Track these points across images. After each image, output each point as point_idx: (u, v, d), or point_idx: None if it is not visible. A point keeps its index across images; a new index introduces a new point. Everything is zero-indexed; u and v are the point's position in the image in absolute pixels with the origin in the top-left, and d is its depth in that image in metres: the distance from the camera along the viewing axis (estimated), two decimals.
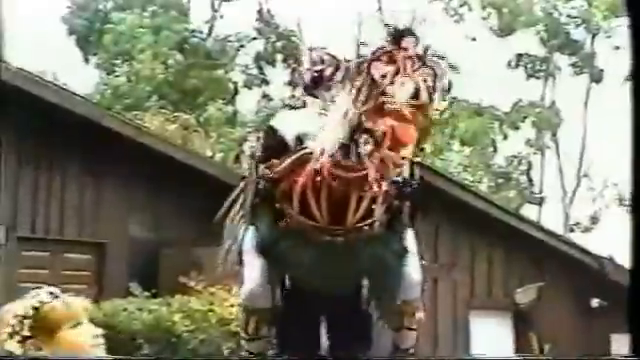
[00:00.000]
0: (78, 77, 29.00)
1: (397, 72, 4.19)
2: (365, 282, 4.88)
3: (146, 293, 12.16)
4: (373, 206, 4.41)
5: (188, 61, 28.06)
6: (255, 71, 33.86)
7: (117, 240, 13.37)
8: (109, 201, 13.22)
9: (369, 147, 4.17)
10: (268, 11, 34.06)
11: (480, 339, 16.92)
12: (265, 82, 33.97)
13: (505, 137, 33.23)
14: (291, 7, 32.94)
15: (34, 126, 12.64)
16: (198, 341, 11.31)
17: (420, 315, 5.03)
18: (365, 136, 4.19)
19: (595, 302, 18.39)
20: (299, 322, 4.95)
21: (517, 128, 33.34)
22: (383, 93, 4.14)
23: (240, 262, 4.92)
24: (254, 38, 34.09)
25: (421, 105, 4.14)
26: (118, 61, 28.17)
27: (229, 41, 33.50)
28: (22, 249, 12.99)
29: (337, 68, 4.97)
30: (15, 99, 12.35)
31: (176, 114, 24.22)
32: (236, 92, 32.21)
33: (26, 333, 3.80)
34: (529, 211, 31.73)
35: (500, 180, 32.77)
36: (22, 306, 3.84)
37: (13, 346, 3.77)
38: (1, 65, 13.27)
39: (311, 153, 4.41)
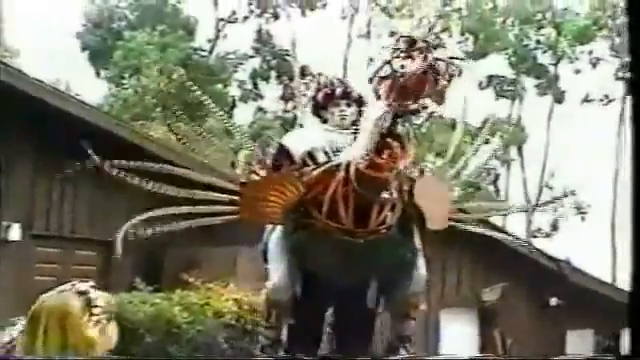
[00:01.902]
0: (90, 88, 29.05)
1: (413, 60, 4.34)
2: (374, 281, 5.01)
3: (149, 288, 12.15)
4: (391, 211, 4.59)
5: (190, 76, 28.06)
6: (250, 86, 33.93)
7: (124, 238, 13.35)
8: (117, 203, 13.19)
9: (396, 151, 4.37)
10: (267, 32, 34.13)
11: (448, 336, 16.95)
12: (259, 97, 34.04)
13: (476, 151, 33.29)
14: (287, 28, 33.28)
15: (47, 133, 12.62)
16: (196, 331, 11.31)
17: (423, 306, 5.21)
18: (391, 140, 4.37)
19: (553, 301, 18.43)
20: (308, 316, 5.05)
21: (487, 142, 33.33)
22: (403, 76, 4.29)
23: (265, 259, 5.08)
24: (251, 56, 34.16)
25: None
26: (127, 75, 28.14)
27: (229, 59, 33.58)
28: (36, 245, 12.97)
29: (346, 88, 5.11)
30: (29, 107, 12.35)
31: (177, 124, 24.22)
32: (233, 105, 32.24)
33: (104, 322, 3.78)
34: (495, 218, 31.77)
35: (470, 189, 32.86)
36: (103, 298, 3.82)
37: (95, 333, 3.74)
38: (19, 74, 13.32)
39: (340, 164, 4.59)
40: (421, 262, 5.08)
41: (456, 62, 4.39)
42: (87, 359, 3.83)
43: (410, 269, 5.01)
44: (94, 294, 3.81)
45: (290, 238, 4.90)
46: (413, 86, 4.27)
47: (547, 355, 17.67)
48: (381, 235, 4.65)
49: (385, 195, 4.61)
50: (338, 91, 5.14)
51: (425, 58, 4.30)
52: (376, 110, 4.53)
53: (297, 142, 4.98)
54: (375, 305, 5.14)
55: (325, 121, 5.12)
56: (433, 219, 4.89)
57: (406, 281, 5.02)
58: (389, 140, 4.43)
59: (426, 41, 4.42)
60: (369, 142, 4.48)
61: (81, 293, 3.78)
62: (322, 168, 4.71)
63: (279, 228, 4.99)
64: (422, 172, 4.93)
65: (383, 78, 4.43)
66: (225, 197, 4.87)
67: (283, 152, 4.90)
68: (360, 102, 5.03)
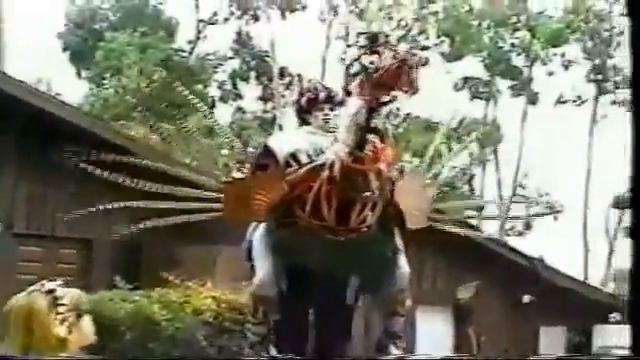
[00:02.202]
0: (71, 88, 28.94)
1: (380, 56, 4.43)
2: (354, 278, 5.04)
3: (129, 286, 12.12)
4: (371, 211, 4.64)
5: (171, 76, 27.99)
6: (230, 87, 33.89)
7: (104, 238, 13.30)
8: (98, 203, 13.14)
9: (374, 145, 4.45)
10: (247, 33, 34.09)
11: (424, 334, 16.99)
12: (239, 97, 33.99)
13: (450, 150, 33.36)
14: (266, 30, 33.29)
15: (30, 134, 12.58)
16: (175, 329, 11.30)
17: (409, 302, 5.26)
18: (372, 135, 4.46)
19: (526, 298, 18.50)
20: (294, 312, 5.09)
21: (462, 142, 33.46)
22: (376, 71, 4.37)
23: (249, 257, 5.11)
24: (231, 57, 34.12)
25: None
26: (107, 75, 28.05)
27: (209, 59, 33.52)
28: (19, 244, 12.90)
29: (330, 92, 5.17)
30: (10, 107, 12.30)
31: (159, 124, 24.13)
32: (213, 105, 32.19)
33: (72, 320, 3.76)
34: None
35: (446, 188, 32.90)
36: (69, 296, 3.80)
37: (63, 331, 3.72)
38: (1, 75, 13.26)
39: (323, 164, 4.63)
40: (403, 260, 5.13)
41: (421, 53, 4.49)
42: (85, 358, 3.83)
43: (392, 267, 5.06)
44: (60, 292, 3.80)
45: (273, 235, 4.94)
46: (388, 80, 4.36)
47: (522, 353, 17.75)
48: (362, 233, 4.70)
49: (367, 194, 4.66)
50: (321, 96, 5.19)
51: (396, 53, 4.37)
52: (350, 107, 4.61)
53: (280, 144, 5.03)
54: (354, 302, 5.17)
55: (308, 124, 5.16)
56: (412, 219, 4.95)
57: (389, 279, 5.07)
58: (369, 134, 4.52)
59: (386, 35, 4.50)
60: (350, 137, 4.54)
61: (48, 292, 3.78)
62: (306, 167, 4.76)
63: (262, 226, 5.04)
64: (401, 172, 4.98)
65: (354, 75, 4.52)
66: (210, 194, 4.90)
67: (268, 153, 4.95)
68: (343, 105, 5.07)
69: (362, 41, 4.55)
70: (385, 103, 4.48)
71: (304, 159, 4.81)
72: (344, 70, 4.66)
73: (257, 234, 5.08)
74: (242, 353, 10.60)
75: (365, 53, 4.48)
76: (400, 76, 4.34)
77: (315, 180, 4.67)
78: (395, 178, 4.86)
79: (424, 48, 31.81)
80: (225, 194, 4.89)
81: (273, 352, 5.07)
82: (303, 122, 5.18)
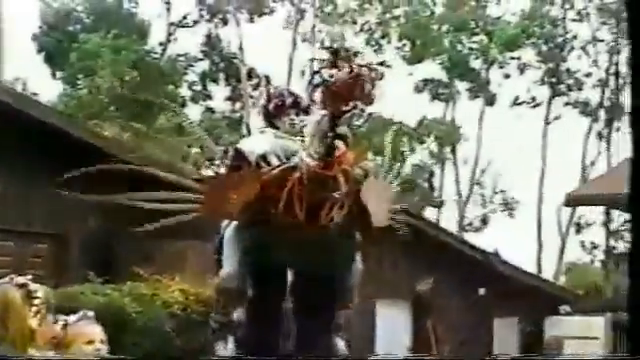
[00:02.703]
0: (46, 88, 28.82)
1: (339, 69, 4.56)
2: (324, 270, 5.14)
3: (100, 280, 12.12)
4: (339, 209, 4.76)
5: (143, 77, 27.91)
6: (200, 87, 33.83)
7: (77, 233, 13.29)
8: (71, 199, 13.10)
9: (340, 150, 4.58)
10: (216, 36, 34.04)
11: (383, 326, 17.07)
12: (208, 97, 33.94)
13: (412, 149, 33.51)
14: (235, 33, 33.28)
15: (6, 132, 12.52)
16: (145, 321, 11.30)
17: (357, 298, 5.40)
18: (337, 141, 4.59)
19: (482, 291, 18.62)
20: (268, 302, 5.18)
21: (422, 142, 33.65)
22: (335, 82, 4.50)
23: (219, 251, 5.21)
24: (201, 59, 34.05)
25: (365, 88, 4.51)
26: (81, 75, 27.94)
27: (179, 61, 33.45)
28: None
29: (296, 98, 5.28)
30: None
31: (130, 123, 24.06)
32: (184, 105, 32.13)
33: (43, 313, 3.78)
34: (430, 213, 32.10)
35: (406, 186, 33.12)
36: (42, 290, 3.82)
37: (35, 323, 3.74)
38: None
39: (295, 166, 4.75)
40: (358, 257, 5.27)
41: (378, 67, 4.57)
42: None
43: (351, 262, 5.20)
44: (33, 286, 3.83)
45: (245, 233, 5.04)
46: (344, 92, 4.48)
47: (477, 343, 17.86)
48: (329, 231, 4.82)
49: (335, 194, 4.79)
50: (288, 101, 5.32)
51: (351, 68, 4.50)
52: (314, 116, 4.74)
53: (254, 146, 5.14)
54: (331, 296, 5.26)
55: (277, 128, 5.27)
56: (378, 217, 5.07)
57: (348, 275, 5.20)
58: (334, 141, 4.64)
59: (347, 50, 4.62)
60: (316, 145, 4.68)
61: (21, 285, 3.79)
62: (279, 169, 4.88)
63: (234, 223, 5.15)
64: (366, 173, 5.09)
65: (316, 86, 4.64)
66: (188, 195, 4.99)
67: (239, 155, 5.06)
68: (308, 111, 5.20)
69: (324, 55, 4.67)
70: (345, 112, 4.59)
71: (274, 161, 4.93)
72: (307, 82, 4.79)
73: (228, 230, 5.19)
74: (208, 343, 10.64)
75: (326, 67, 4.61)
76: (354, 89, 4.47)
77: (287, 181, 4.78)
78: (360, 178, 4.98)
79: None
80: (204, 194, 5.00)
81: (230, 344, 5.16)
82: (271, 126, 5.29)
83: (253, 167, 4.91)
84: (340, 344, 5.29)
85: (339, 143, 4.68)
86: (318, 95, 4.63)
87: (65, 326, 4.66)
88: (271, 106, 5.33)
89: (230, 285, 5.11)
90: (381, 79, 4.54)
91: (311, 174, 4.70)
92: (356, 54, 4.59)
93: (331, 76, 4.54)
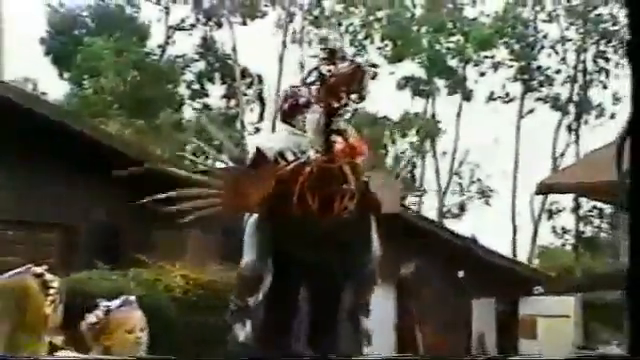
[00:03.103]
0: (54, 88, 28.75)
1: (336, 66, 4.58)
2: (340, 259, 5.18)
3: (106, 267, 12.13)
4: (350, 200, 4.80)
5: (143, 77, 27.88)
6: (197, 86, 33.81)
7: (87, 223, 13.30)
8: (81, 191, 13.12)
9: (340, 144, 4.62)
10: (212, 38, 34.01)
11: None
12: (205, 95, 33.93)
13: (394, 142, 33.59)
14: (229, 35, 33.25)
15: (16, 129, 12.51)
16: (148, 303, 11.30)
17: (378, 277, 5.45)
18: (335, 135, 4.62)
19: (461, 274, 18.68)
20: (286, 290, 5.22)
21: (404, 135, 33.71)
22: (333, 76, 4.53)
23: (241, 241, 5.25)
24: (197, 60, 34.03)
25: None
26: (86, 76, 27.88)
27: (177, 62, 33.41)
28: (5, 229, 12.84)
29: (310, 97, 5.31)
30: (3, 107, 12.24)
31: (132, 120, 24.09)
32: (182, 103, 32.12)
33: (57, 302, 3.78)
34: (412, 201, 32.14)
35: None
36: (57, 280, 3.81)
37: (49, 311, 3.74)
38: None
39: (306, 162, 4.80)
40: (376, 243, 5.30)
41: (371, 68, 4.61)
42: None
43: (369, 249, 5.23)
44: (49, 276, 3.83)
45: (263, 224, 5.08)
46: (341, 84, 4.50)
47: (455, 322, 17.94)
48: (344, 219, 4.86)
49: (345, 186, 4.82)
50: (301, 101, 5.35)
51: (350, 61, 4.53)
52: (311, 113, 4.77)
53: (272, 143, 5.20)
54: (343, 285, 5.30)
55: (293, 126, 5.32)
56: (387, 205, 5.12)
57: (368, 260, 5.24)
58: (330, 136, 4.67)
59: (343, 51, 4.66)
60: (317, 140, 4.72)
61: (37, 275, 3.79)
62: (292, 165, 4.92)
63: (254, 216, 5.18)
64: (371, 163, 5.15)
65: (311, 84, 4.67)
66: (211, 192, 5.01)
67: (260, 152, 5.09)
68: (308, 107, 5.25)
69: (322, 54, 4.70)
70: (340, 108, 4.62)
71: (290, 157, 4.98)
72: (302, 79, 4.81)
73: (250, 222, 5.24)
74: (207, 324, 10.66)
75: (323, 64, 4.64)
76: (353, 79, 4.48)
77: (300, 175, 4.83)
78: (367, 169, 5.03)
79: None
80: (223, 190, 5.03)
81: (248, 326, 5.19)
82: (288, 124, 5.33)
83: (271, 163, 4.96)
84: (365, 324, 5.34)
85: (337, 137, 4.71)
86: (314, 92, 4.66)
87: (108, 312, 4.62)
88: (286, 106, 5.38)
89: (248, 273, 5.16)
90: (373, 78, 4.59)
91: (319, 168, 4.75)
92: (354, 55, 4.65)
93: (329, 71, 4.57)
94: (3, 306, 3.68)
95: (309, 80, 4.66)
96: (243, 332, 5.18)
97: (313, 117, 4.70)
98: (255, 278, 5.11)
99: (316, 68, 4.61)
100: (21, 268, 3.82)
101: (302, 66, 4.95)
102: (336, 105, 4.53)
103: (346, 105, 4.53)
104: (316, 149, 4.66)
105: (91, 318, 4.58)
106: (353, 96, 4.49)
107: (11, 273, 3.79)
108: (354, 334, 5.21)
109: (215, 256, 12.23)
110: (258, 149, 5.09)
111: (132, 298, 4.79)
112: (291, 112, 5.26)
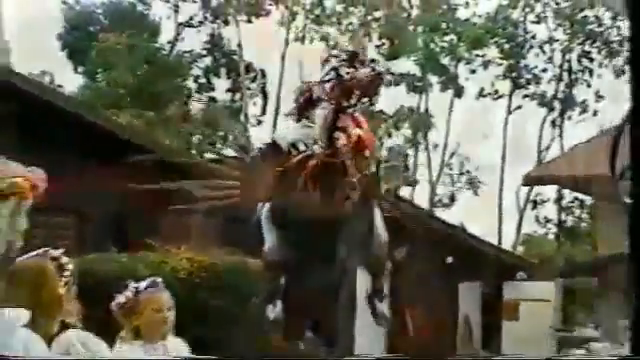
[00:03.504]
0: (69, 81, 28.79)
1: (355, 68, 4.59)
2: (345, 244, 5.18)
3: (116, 250, 12.23)
4: (352, 190, 4.81)
5: (153, 71, 27.94)
6: (204, 80, 33.84)
7: (98, 209, 13.40)
8: (94, 178, 13.18)
9: (343, 141, 4.63)
10: (218, 35, 34.02)
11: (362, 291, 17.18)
12: (211, 89, 33.95)
13: (389, 135, 33.64)
14: (235, 33, 33.28)
15: (34, 119, 12.60)
16: None
17: (389, 264, 5.43)
18: (340, 133, 4.64)
19: (449, 259, 18.77)
20: (306, 270, 5.23)
21: (398, 128, 33.77)
22: (352, 79, 4.55)
23: (259, 228, 5.25)
24: (204, 55, 34.05)
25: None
26: (100, 70, 27.92)
27: (186, 57, 33.43)
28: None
29: (321, 93, 5.29)
30: (19, 96, 12.31)
31: (142, 111, 24.15)
32: (189, 96, 32.15)
33: (70, 285, 3.84)
34: (405, 191, 32.19)
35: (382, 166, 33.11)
36: (71, 263, 3.88)
37: (63, 292, 3.80)
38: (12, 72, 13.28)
39: (312, 153, 4.80)
40: (383, 228, 5.28)
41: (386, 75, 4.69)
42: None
43: (376, 234, 5.20)
44: (64, 259, 3.90)
45: (277, 211, 5.09)
46: (359, 88, 4.52)
47: (443, 304, 18.03)
48: (347, 208, 4.88)
49: (347, 179, 4.82)
50: (314, 96, 5.35)
51: (372, 68, 4.54)
52: (320, 109, 4.78)
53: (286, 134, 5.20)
54: (344, 265, 5.31)
55: (307, 118, 5.32)
56: (387, 194, 5.16)
57: (375, 245, 5.21)
58: (337, 132, 4.66)
59: (365, 55, 4.70)
60: (322, 135, 4.72)
61: (54, 258, 3.87)
62: (299, 157, 4.92)
63: (267, 204, 5.18)
64: (375, 156, 5.16)
65: (328, 81, 4.67)
66: (226, 182, 5.03)
67: (274, 144, 5.11)
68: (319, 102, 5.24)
69: (344, 55, 4.72)
70: (349, 107, 4.64)
71: (302, 148, 4.98)
72: (320, 77, 4.81)
73: (264, 210, 5.24)
74: (208, 304, 10.79)
75: (343, 65, 4.64)
76: (371, 86, 4.51)
77: (305, 167, 4.84)
78: (370, 162, 5.01)
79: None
80: (240, 181, 5.05)
81: (279, 307, 5.19)
82: (304, 118, 5.33)
83: (284, 154, 4.97)
84: (380, 308, 5.33)
85: (341, 134, 4.71)
86: (327, 89, 4.67)
87: (137, 293, 4.67)
88: (302, 99, 5.38)
89: (271, 258, 5.16)
90: (390, 85, 4.65)
91: (322, 162, 4.76)
92: (373, 60, 4.66)
93: (347, 73, 4.58)
94: (21, 286, 3.75)
95: (326, 78, 4.69)
96: (274, 312, 5.20)
97: (322, 113, 4.73)
98: (277, 262, 5.13)
99: (335, 68, 4.64)
100: (39, 251, 3.90)
101: (301, 66, 4.96)
102: (345, 104, 4.57)
103: (355, 105, 4.57)
104: (320, 144, 4.70)
105: (120, 298, 4.65)
106: (365, 99, 4.53)
107: (30, 255, 3.87)
108: (373, 318, 5.23)
109: (216, 240, 12.35)
110: (273, 140, 5.14)
111: (159, 280, 4.85)
112: (305, 105, 5.29)
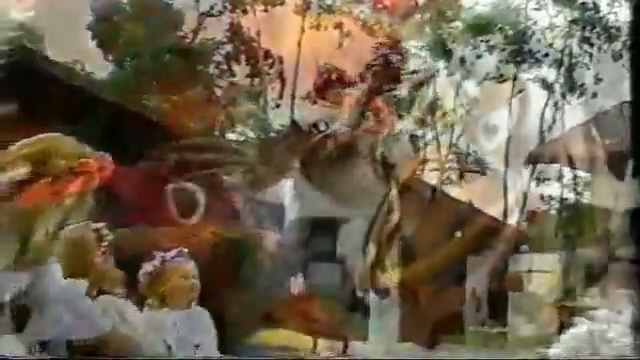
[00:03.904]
0: (99, 68, 28.85)
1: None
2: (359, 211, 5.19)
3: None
4: (367, 165, 4.83)
5: (177, 58, 27.99)
6: (225, 66, 33.86)
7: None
8: (124, 157, 13.19)
9: (369, 120, 4.67)
10: (238, 23, 34.02)
11: None
12: (232, 75, 33.97)
13: (400, 117, 33.59)
14: (253, 21, 33.22)
15: (69, 103, 12.66)
16: None
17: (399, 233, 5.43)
18: (370, 113, 4.69)
19: (458, 234, 18.86)
20: (325, 243, 5.27)
21: (409, 111, 33.69)
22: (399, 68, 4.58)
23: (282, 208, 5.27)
24: (225, 43, 34.05)
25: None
26: (127, 58, 27.95)
27: (207, 45, 33.45)
28: None
29: (341, 74, 5.33)
30: (52, 82, 12.37)
31: (168, 96, 24.17)
32: (211, 81, 32.15)
33: (107, 254, 3.92)
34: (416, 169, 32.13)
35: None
36: (111, 235, 3.95)
37: (101, 260, 3.88)
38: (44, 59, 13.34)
39: (331, 133, 4.84)
40: (396, 207, 5.33)
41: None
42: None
43: (383, 206, 5.26)
44: (105, 231, 4.00)
45: (299, 186, 5.14)
46: (397, 74, 4.55)
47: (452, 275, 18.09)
48: (364, 183, 4.92)
49: (362, 158, 4.85)
50: (333, 77, 5.39)
51: (427, 69, 4.55)
52: (356, 91, 4.79)
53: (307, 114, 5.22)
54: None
55: (325, 99, 5.34)
56: (404, 171, 5.21)
57: (386, 216, 5.27)
58: (369, 111, 4.69)
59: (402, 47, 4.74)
60: (350, 115, 4.74)
61: (95, 230, 3.96)
62: (319, 136, 4.98)
63: (290, 179, 5.22)
64: (394, 135, 5.19)
65: (371, 67, 4.68)
66: (246, 159, 5.05)
67: (295, 124, 5.17)
68: (351, 84, 5.27)
69: (391, 43, 4.74)
70: (386, 90, 4.66)
71: (322, 127, 5.04)
72: (368, 63, 4.81)
73: (286, 186, 5.28)
74: (231, 275, 10.83)
75: (393, 53, 4.66)
76: (421, 83, 4.51)
77: (326, 144, 4.90)
78: (389, 142, 5.05)
79: None
80: (260, 159, 5.09)
81: (300, 278, 5.22)
82: (321, 98, 5.35)
83: (305, 133, 5.00)
84: (383, 279, 5.36)
85: (370, 114, 4.74)
86: (371, 74, 4.68)
87: (163, 262, 4.72)
88: (320, 81, 5.42)
89: (292, 233, 5.20)
90: (433, 76, 4.64)
91: (341, 140, 4.79)
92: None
93: (397, 61, 4.61)
94: (64, 252, 3.84)
95: (375, 63, 4.69)
96: (297, 285, 5.27)
97: (355, 93, 4.72)
98: (300, 236, 5.16)
99: (384, 55, 4.65)
100: (82, 222, 3.98)
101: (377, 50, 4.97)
102: (382, 88, 4.57)
103: (388, 90, 4.59)
104: (346, 122, 4.68)
105: (148, 267, 4.71)
106: (398, 85, 4.52)
107: (74, 226, 3.95)
108: (372, 290, 5.28)
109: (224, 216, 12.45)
110: (294, 121, 5.17)
111: (185, 250, 4.91)
112: (324, 86, 5.31)
